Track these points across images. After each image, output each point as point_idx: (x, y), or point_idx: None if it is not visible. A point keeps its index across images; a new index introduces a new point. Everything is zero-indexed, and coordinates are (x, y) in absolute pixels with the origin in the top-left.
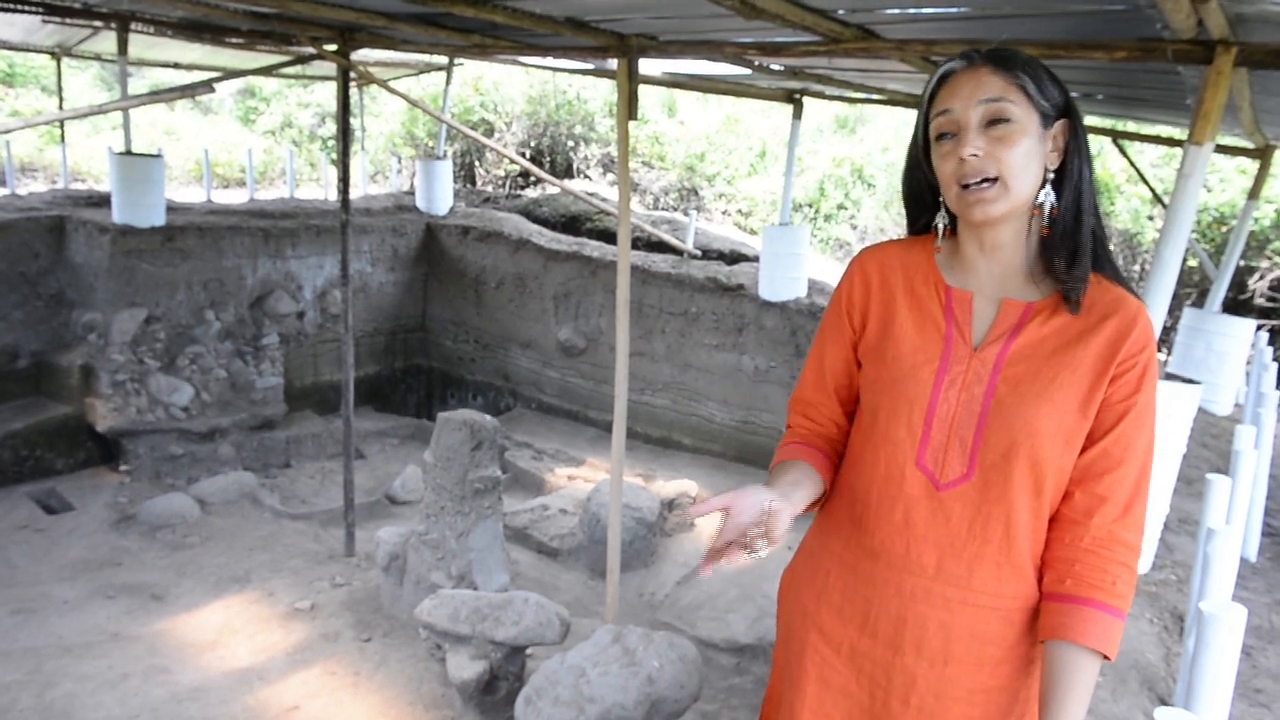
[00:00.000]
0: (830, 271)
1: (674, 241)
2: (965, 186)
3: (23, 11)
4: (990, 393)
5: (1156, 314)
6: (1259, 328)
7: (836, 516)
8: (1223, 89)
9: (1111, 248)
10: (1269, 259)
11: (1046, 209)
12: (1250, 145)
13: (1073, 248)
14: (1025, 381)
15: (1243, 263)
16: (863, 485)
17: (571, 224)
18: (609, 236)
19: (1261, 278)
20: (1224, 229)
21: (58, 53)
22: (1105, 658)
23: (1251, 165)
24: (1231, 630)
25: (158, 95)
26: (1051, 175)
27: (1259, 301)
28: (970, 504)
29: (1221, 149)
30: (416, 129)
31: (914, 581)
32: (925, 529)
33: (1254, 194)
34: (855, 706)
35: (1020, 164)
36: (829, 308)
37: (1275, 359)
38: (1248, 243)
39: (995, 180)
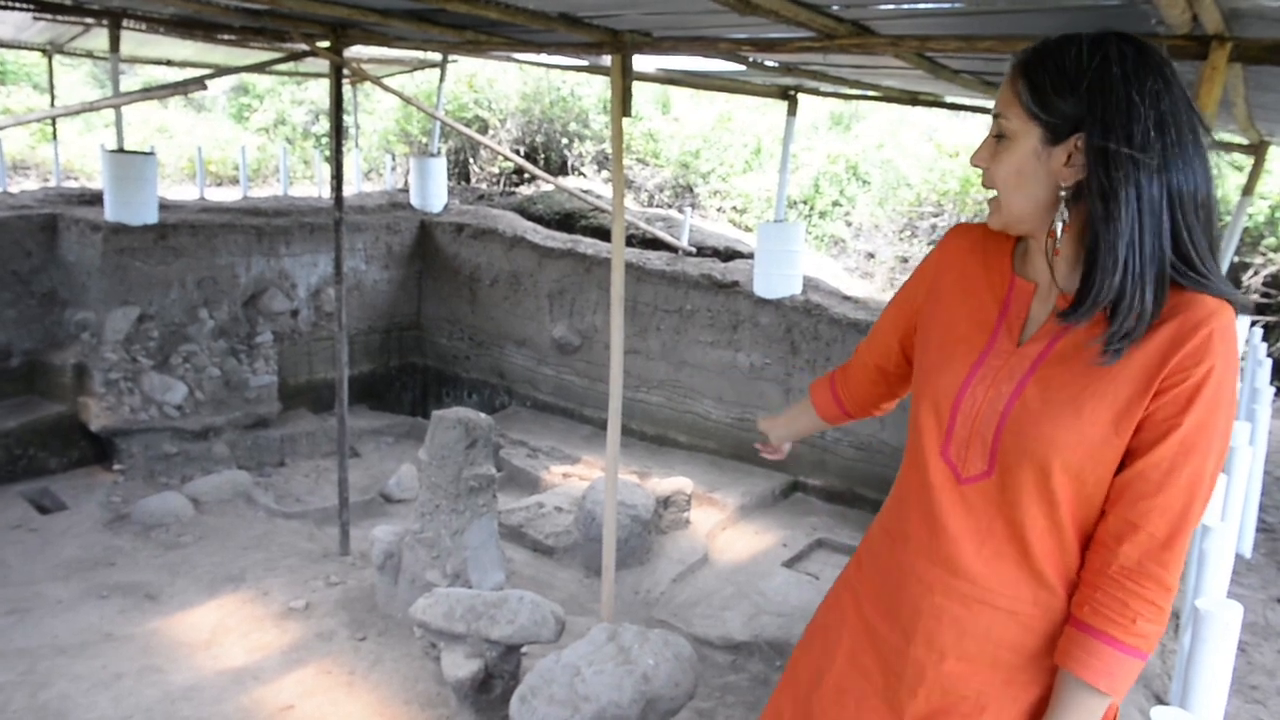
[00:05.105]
0: (825, 268)
1: (669, 239)
2: None
3: (14, 8)
4: (1017, 392)
5: None
6: (1253, 324)
7: (889, 500)
8: (1217, 85)
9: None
10: (1263, 255)
11: (1058, 230)
12: (1245, 141)
13: (1090, 281)
14: (1056, 386)
15: (1237, 259)
16: (905, 469)
17: (566, 221)
18: (604, 234)
19: (1256, 274)
20: (1218, 225)
21: (49, 50)
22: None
23: (1246, 161)
24: (1227, 627)
25: (150, 92)
26: (1064, 193)
27: (1253, 298)
28: (990, 501)
29: (1216, 145)
30: (410, 126)
31: (935, 572)
32: (948, 520)
33: (1248, 190)
34: (871, 688)
35: (1007, 182)
36: (915, 270)
37: (1269, 355)
38: (1242, 239)
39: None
